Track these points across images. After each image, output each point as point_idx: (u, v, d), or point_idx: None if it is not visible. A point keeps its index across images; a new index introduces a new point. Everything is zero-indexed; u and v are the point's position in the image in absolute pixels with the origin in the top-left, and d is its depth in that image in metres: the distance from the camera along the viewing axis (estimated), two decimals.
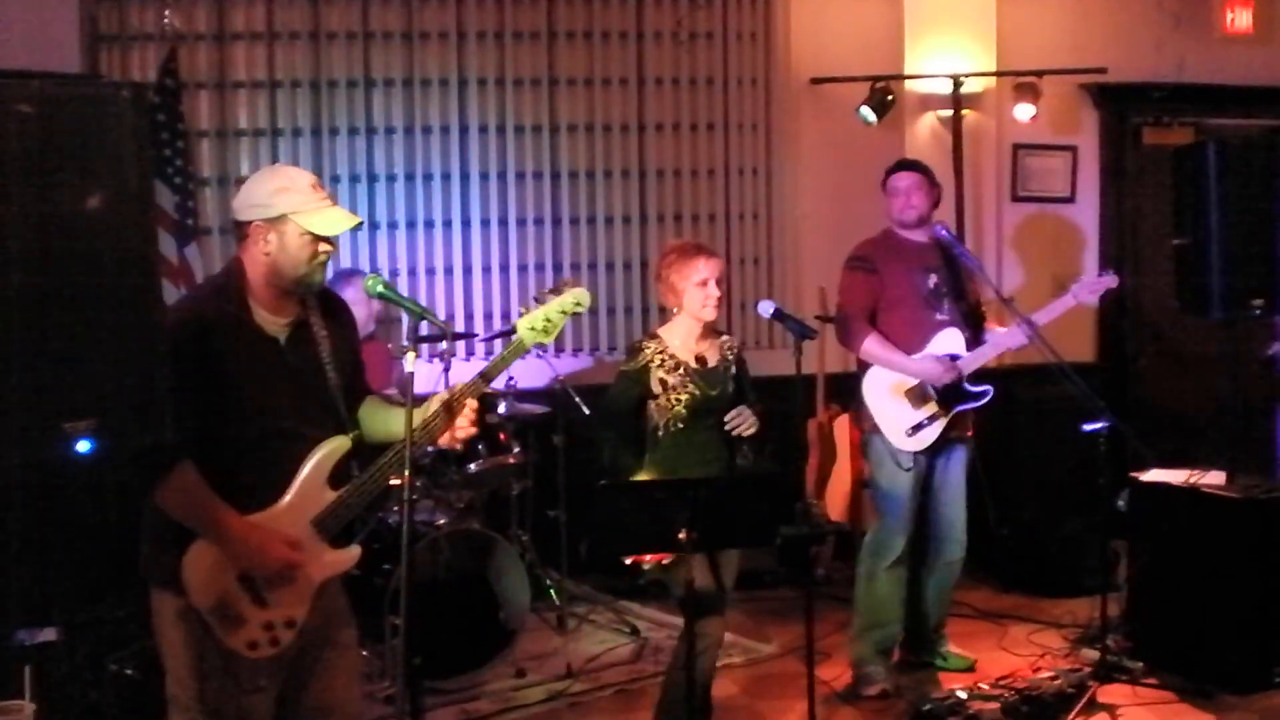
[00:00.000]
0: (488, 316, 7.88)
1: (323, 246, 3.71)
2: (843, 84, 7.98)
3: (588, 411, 6.84)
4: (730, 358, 5.13)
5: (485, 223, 7.91)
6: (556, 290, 4.12)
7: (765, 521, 4.70)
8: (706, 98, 8.15)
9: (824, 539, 7.73)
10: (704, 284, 5.01)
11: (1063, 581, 7.36)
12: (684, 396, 4.97)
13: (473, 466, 6.55)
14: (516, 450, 6.79)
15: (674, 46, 8.05)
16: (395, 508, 3.82)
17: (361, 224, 3.90)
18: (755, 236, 8.22)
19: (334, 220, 3.71)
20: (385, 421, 3.95)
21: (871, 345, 5.96)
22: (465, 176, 7.85)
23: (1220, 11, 8.55)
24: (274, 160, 7.52)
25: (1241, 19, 8.57)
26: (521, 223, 7.96)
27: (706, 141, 8.16)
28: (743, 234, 8.19)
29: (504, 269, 7.94)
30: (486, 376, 3.97)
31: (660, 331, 5.14)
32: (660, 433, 5.00)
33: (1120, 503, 6.48)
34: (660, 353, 5.02)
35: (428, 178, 7.80)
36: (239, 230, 3.75)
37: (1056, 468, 7.92)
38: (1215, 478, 6.41)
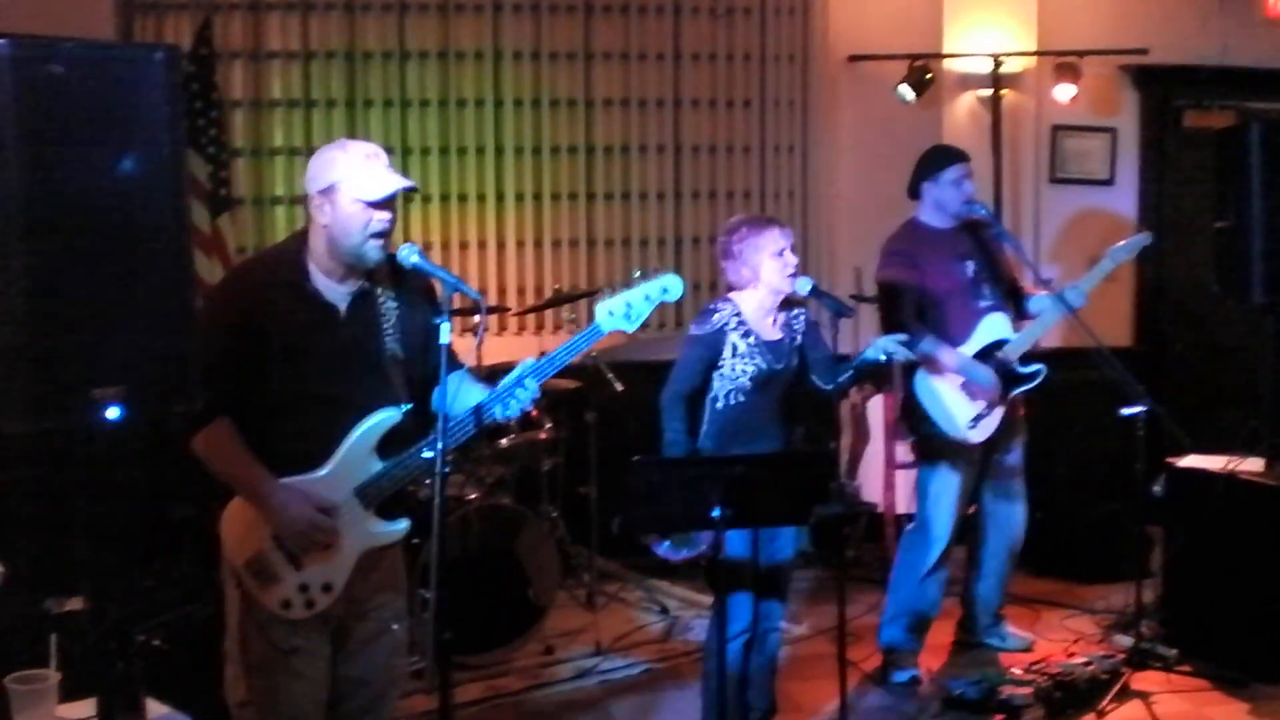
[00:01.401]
0: (520, 291, 7.82)
1: (378, 215, 3.67)
2: (881, 61, 7.91)
3: (620, 388, 6.81)
4: (797, 328, 5.08)
5: (519, 197, 7.85)
6: (645, 275, 3.92)
7: (800, 501, 4.66)
8: (743, 73, 8.05)
9: (857, 520, 7.68)
10: (781, 254, 4.96)
11: (1097, 567, 7.30)
12: (750, 368, 4.92)
13: (504, 442, 6.53)
14: (548, 426, 6.76)
15: (711, 21, 7.97)
16: (427, 480, 3.75)
17: (415, 188, 3.84)
18: (790, 214, 8.12)
19: (380, 183, 3.66)
20: (458, 399, 3.88)
21: (926, 344, 5.84)
22: (500, 150, 7.79)
23: None
24: (307, 131, 7.49)
25: None
26: (556, 197, 7.90)
27: (743, 118, 8.08)
28: (778, 211, 8.08)
29: (538, 244, 7.89)
30: (556, 361, 3.89)
31: (734, 297, 5.08)
32: (719, 404, 4.96)
33: (1156, 488, 6.41)
34: (736, 316, 4.98)
35: (462, 151, 7.74)
36: (307, 204, 3.74)
37: (1093, 452, 7.85)
38: (1253, 464, 6.33)
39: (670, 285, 3.90)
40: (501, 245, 7.85)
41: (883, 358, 5.04)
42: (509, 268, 7.83)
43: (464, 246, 7.76)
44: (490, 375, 4.44)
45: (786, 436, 5.09)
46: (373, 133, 7.55)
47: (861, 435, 7.76)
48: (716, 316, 4.99)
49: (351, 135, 7.47)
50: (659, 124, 7.98)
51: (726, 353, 4.94)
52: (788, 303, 5.09)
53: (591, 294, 7.54)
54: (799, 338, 5.10)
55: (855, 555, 7.63)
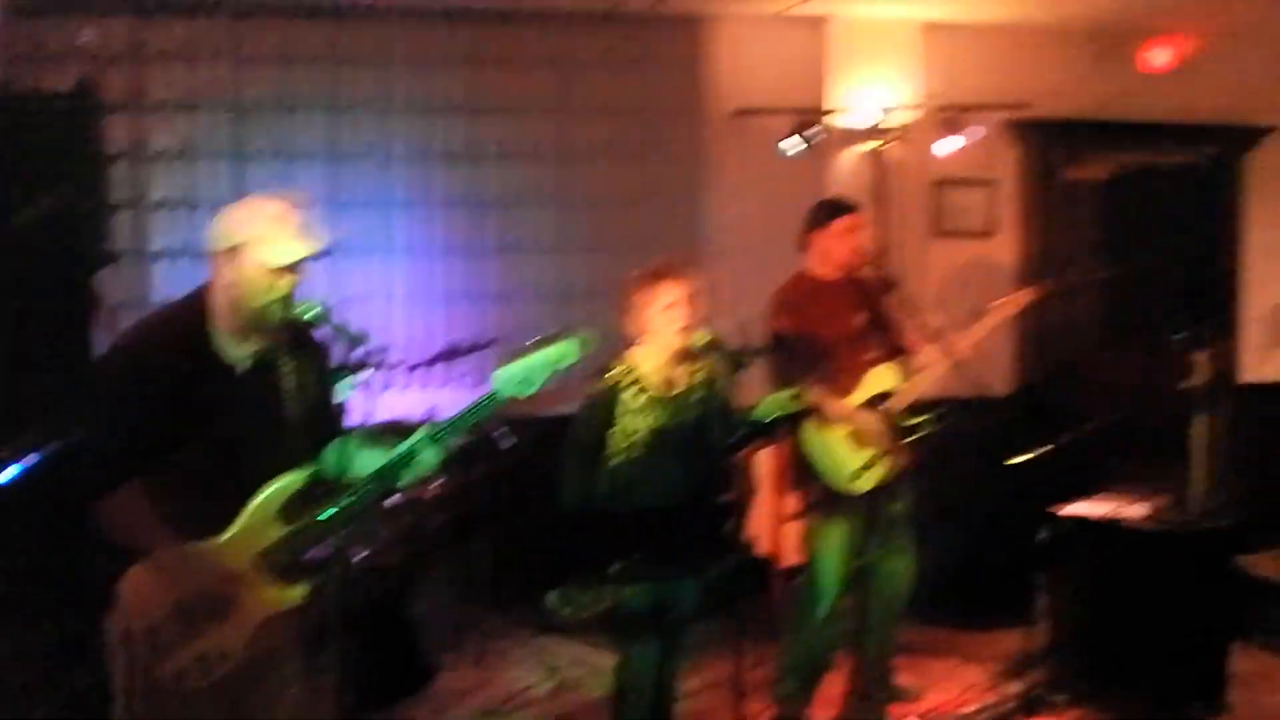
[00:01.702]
0: (411, 345, 7.75)
1: (284, 279, 3.63)
2: (767, 115, 7.97)
3: (508, 444, 6.76)
4: (696, 381, 5.08)
5: (409, 251, 7.80)
6: (545, 340, 3.95)
7: (701, 553, 4.66)
8: (632, 127, 8.07)
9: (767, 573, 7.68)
10: (672, 307, 4.97)
11: (986, 615, 7.36)
12: (645, 423, 4.91)
13: (392, 499, 6.45)
14: (437, 483, 6.69)
15: (599, 74, 7.98)
16: (327, 542, 3.72)
17: (323, 252, 3.80)
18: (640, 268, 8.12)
19: (288, 250, 3.63)
20: (354, 460, 3.85)
21: (812, 393, 5.89)
22: (389, 204, 7.74)
23: (1140, 49, 8.61)
24: (190, 182, 7.39)
25: (1159, 56, 8.64)
26: (446, 251, 7.85)
27: (631, 171, 8.08)
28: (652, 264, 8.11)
29: (428, 298, 7.83)
30: (454, 426, 3.87)
31: (630, 354, 5.08)
32: (617, 459, 4.94)
33: (1044, 536, 6.49)
34: (628, 375, 4.96)
35: (350, 205, 7.68)
36: (210, 260, 3.69)
37: (980, 500, 7.93)
38: (1136, 509, 6.44)
39: (567, 351, 3.95)
40: (390, 299, 7.78)
41: (770, 419, 5.07)
42: (397, 322, 7.76)
43: (354, 300, 7.67)
44: (382, 433, 4.40)
45: (688, 490, 5.08)
46: (256, 184, 7.46)
47: (749, 487, 7.75)
48: (610, 373, 4.98)
49: (237, 187, 7.40)
50: (547, 177, 7.97)
51: (620, 409, 4.93)
52: (689, 355, 5.10)
53: (483, 347, 7.51)
54: (699, 391, 5.11)
55: (747, 608, 7.60)
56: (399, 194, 7.76)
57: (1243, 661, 6.46)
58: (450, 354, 7.14)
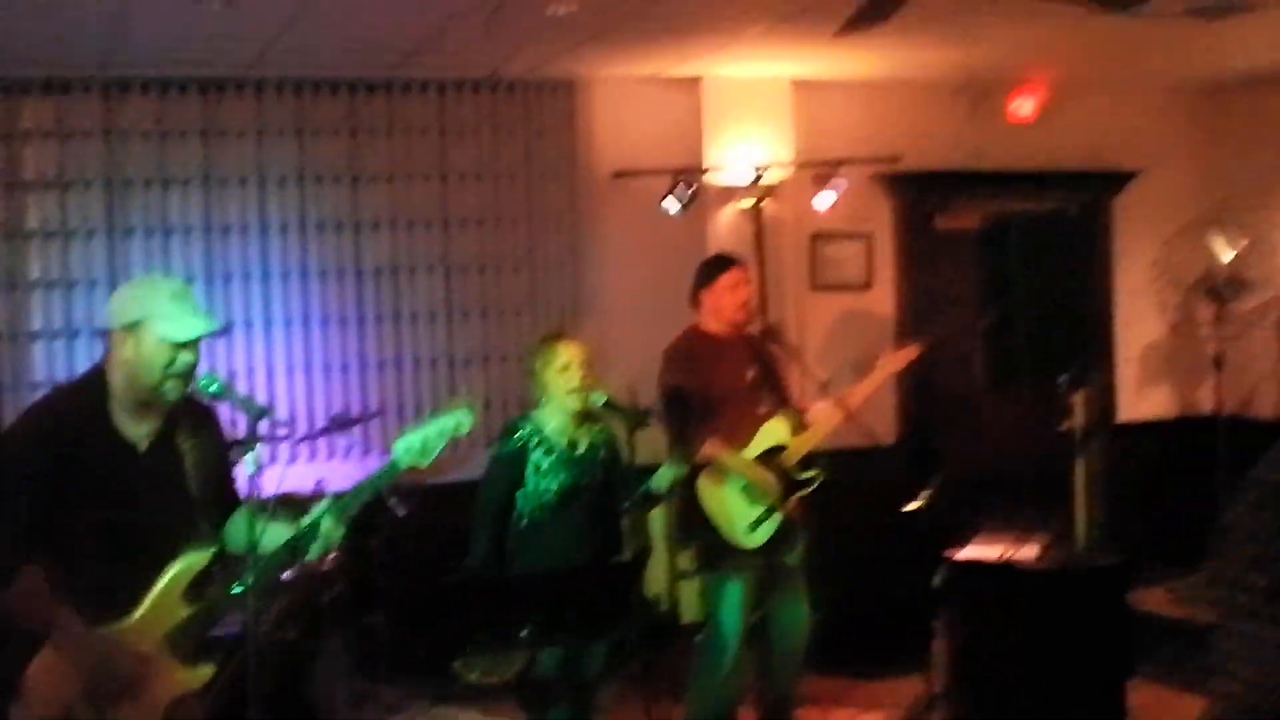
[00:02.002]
0: (292, 417, 7.66)
1: (182, 355, 3.61)
2: (644, 176, 8.04)
3: (402, 512, 6.71)
4: (601, 443, 5.10)
5: (288, 322, 7.72)
6: (439, 410, 4.02)
7: (609, 614, 4.66)
8: (511, 191, 8.09)
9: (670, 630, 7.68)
10: (566, 369, 4.99)
11: (884, 661, 7.42)
12: (554, 484, 4.92)
13: (284, 574, 6.36)
14: (331, 555, 6.61)
15: (477, 140, 7.99)
16: (229, 619, 3.70)
17: (221, 329, 3.81)
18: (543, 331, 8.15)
19: (188, 326, 3.61)
20: (255, 535, 3.80)
21: (709, 447, 5.95)
22: (266, 275, 7.66)
23: (1007, 100, 8.83)
24: (66, 261, 7.26)
25: (1024, 106, 8.87)
26: (325, 321, 7.79)
27: (512, 235, 8.10)
28: (550, 327, 8.12)
29: (308, 368, 7.75)
30: (356, 497, 3.88)
31: (534, 414, 5.09)
32: (524, 521, 4.93)
33: (937, 580, 6.56)
34: (538, 433, 4.97)
35: (227, 278, 7.59)
36: (106, 337, 3.68)
37: (874, 548, 8.01)
38: (1027, 551, 6.55)
39: (461, 420, 4.02)
40: (271, 371, 7.69)
41: (662, 488, 5.13)
42: (279, 394, 7.67)
43: (231, 374, 7.57)
44: (276, 507, 4.36)
45: (595, 549, 5.09)
46: (134, 261, 7.36)
47: (645, 545, 7.76)
48: (517, 435, 4.99)
49: (112, 264, 7.30)
50: (428, 243, 7.95)
51: (529, 470, 4.94)
52: (590, 415, 5.13)
53: (369, 418, 7.46)
54: (602, 451, 5.14)
55: (652, 667, 7.60)
56: (278, 265, 7.68)
57: (1138, 695, 6.58)
58: (337, 425, 7.08)
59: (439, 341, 7.97)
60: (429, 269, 7.96)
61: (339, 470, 4.68)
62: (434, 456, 3.95)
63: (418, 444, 3.91)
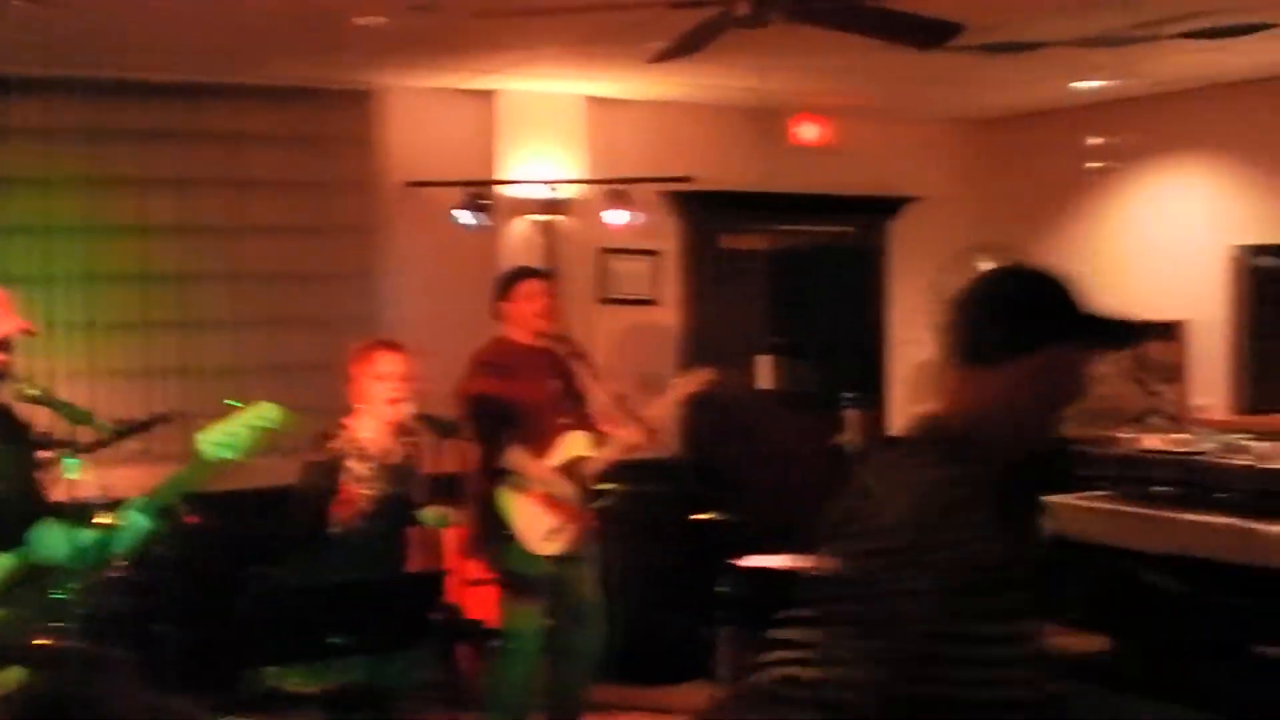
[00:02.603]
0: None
1: None
2: (439, 188, 8.08)
3: (191, 519, 6.63)
4: (414, 452, 5.13)
5: (70, 327, 7.54)
6: (242, 406, 3.99)
7: (416, 623, 4.71)
8: (305, 200, 8.05)
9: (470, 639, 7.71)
10: (382, 379, 5.02)
11: (673, 669, 7.59)
12: (369, 492, 4.93)
13: (85, 580, 6.24)
14: (120, 564, 6.50)
15: (271, 148, 7.94)
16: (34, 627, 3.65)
17: (31, 332, 3.74)
18: (358, 340, 8.13)
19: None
20: (60, 541, 3.76)
21: (513, 454, 6.04)
22: (51, 279, 7.48)
23: (792, 124, 9.12)
24: None
25: (809, 132, 9.18)
26: (112, 327, 7.65)
27: (306, 245, 8.06)
28: (344, 338, 8.10)
29: (92, 374, 7.59)
30: (169, 492, 3.83)
31: (348, 421, 5.10)
32: (338, 529, 4.93)
33: (724, 589, 6.73)
34: (351, 442, 4.98)
35: (14, 280, 7.38)
36: None
37: (661, 558, 8.19)
38: (811, 560, 6.76)
39: (269, 413, 4.01)
40: (53, 376, 7.51)
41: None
42: (70, 399, 7.47)
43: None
44: (78, 511, 4.32)
45: (399, 561, 5.13)
46: None
47: (434, 556, 7.79)
48: (333, 443, 5.00)
49: None
50: (220, 252, 7.87)
51: (345, 478, 4.96)
52: (403, 425, 5.17)
53: (162, 421, 7.32)
54: (413, 460, 5.18)
55: (450, 676, 7.64)
56: (64, 269, 7.51)
57: None
58: (129, 430, 6.96)
59: (230, 351, 7.88)
60: (221, 278, 7.87)
61: (130, 474, 4.65)
62: (244, 450, 3.92)
63: (224, 438, 3.88)
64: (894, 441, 2.68)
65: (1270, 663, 7.89)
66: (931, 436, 2.59)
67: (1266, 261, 8.33)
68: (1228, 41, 6.66)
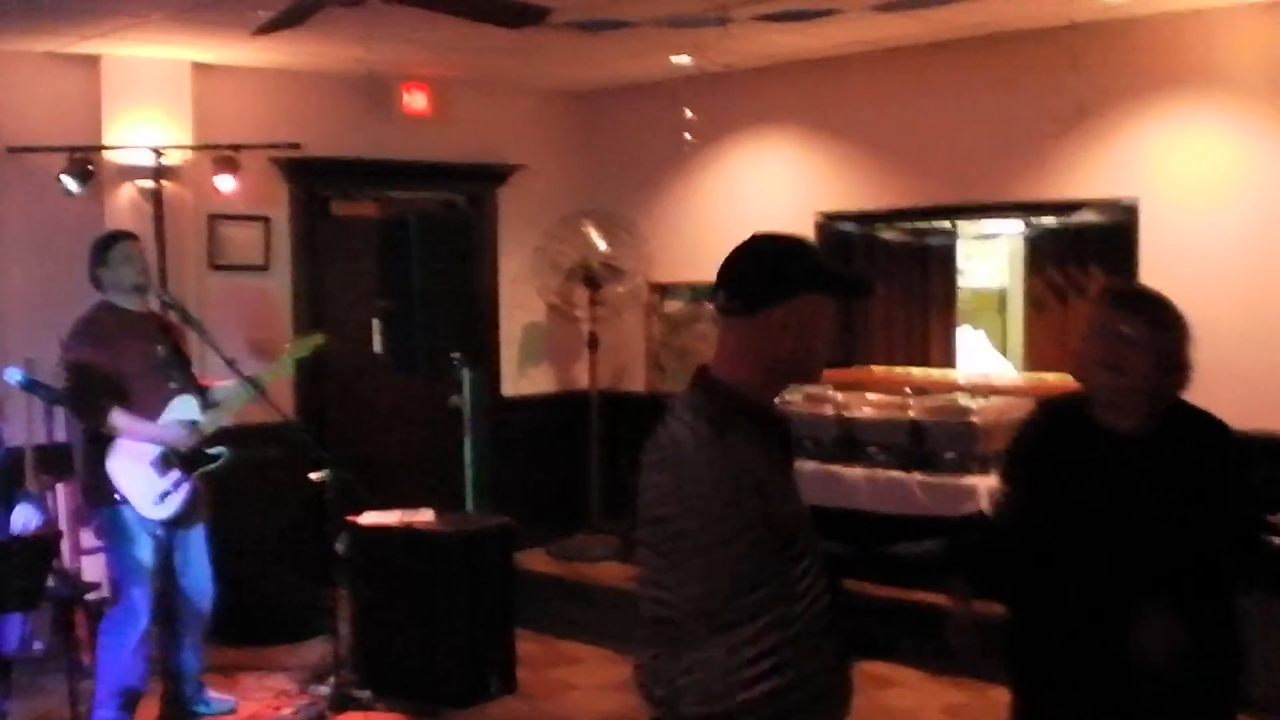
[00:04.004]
0: None
1: None
2: (43, 154, 7.94)
3: None
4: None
5: None
6: None
7: (29, 588, 4.74)
8: None
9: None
10: None
11: (288, 628, 7.74)
12: None
13: None
14: None
15: None
16: None
17: None
18: None
19: None
20: None
21: (118, 418, 6.06)
22: None
23: (399, 93, 9.31)
24: None
25: (418, 101, 9.38)
26: None
27: None
28: None
29: None
30: None
31: None
32: None
33: (339, 546, 6.91)
34: None
35: None
36: None
37: (276, 520, 8.32)
38: (424, 515, 7.04)
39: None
40: None
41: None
42: None
43: None
44: None
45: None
46: None
47: (49, 522, 7.70)
48: None
49: None
50: None
51: None
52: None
53: None
54: None
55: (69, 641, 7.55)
56: None
57: (524, 644, 7.22)
58: None
59: None
60: None
61: None
62: None
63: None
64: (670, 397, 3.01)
65: (856, 599, 8.59)
66: (703, 384, 2.93)
67: (846, 227, 8.99)
68: (800, 25, 7.19)
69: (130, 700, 6.26)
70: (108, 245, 6.38)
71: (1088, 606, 3.52)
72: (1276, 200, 6.88)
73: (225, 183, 8.43)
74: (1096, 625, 3.50)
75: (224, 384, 6.52)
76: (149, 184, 8.20)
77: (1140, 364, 3.50)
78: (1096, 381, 3.61)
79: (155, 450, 6.19)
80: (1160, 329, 3.55)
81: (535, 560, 9.36)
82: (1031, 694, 3.77)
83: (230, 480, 6.76)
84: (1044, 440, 3.80)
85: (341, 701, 6.50)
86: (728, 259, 2.97)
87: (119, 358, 6.16)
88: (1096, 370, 3.58)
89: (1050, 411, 3.94)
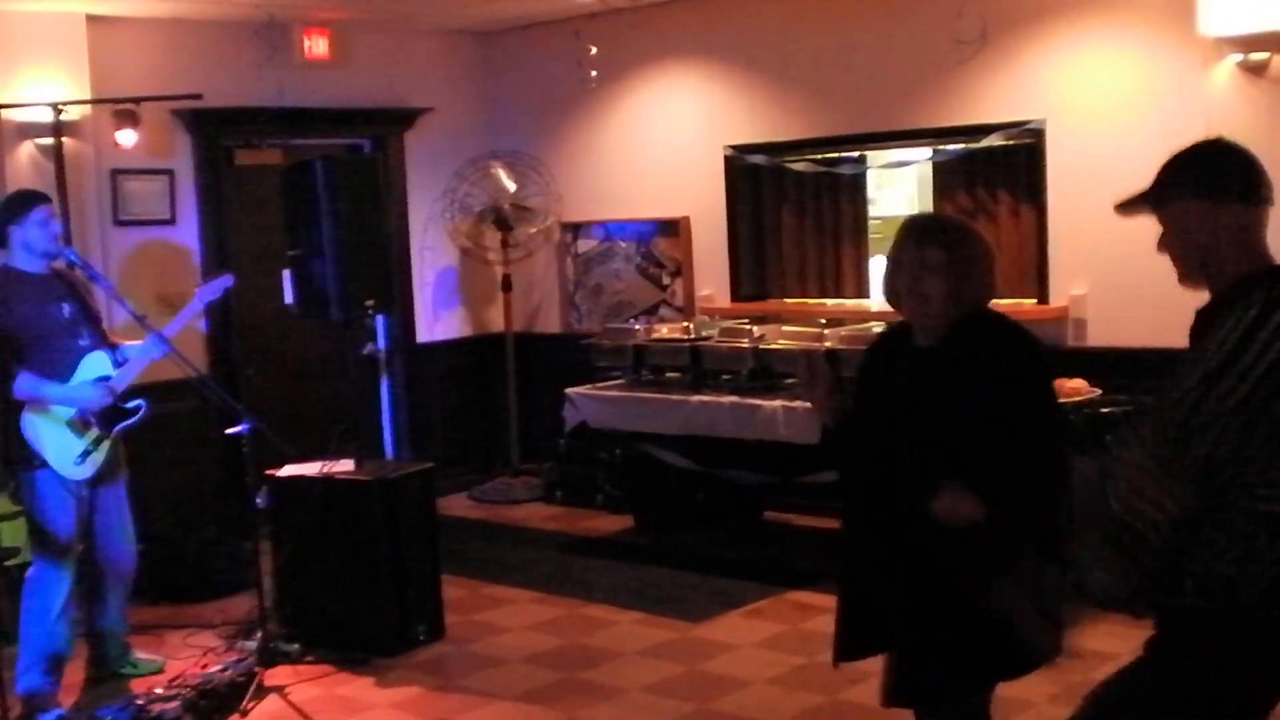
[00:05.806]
0: None
1: None
2: None
3: None
4: None
5: None
6: None
7: None
8: None
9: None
10: None
11: (213, 584, 7.70)
12: None
13: None
14: None
15: None
16: None
17: None
18: None
19: None
20: None
21: (25, 382, 5.98)
22: None
23: (300, 38, 9.18)
24: None
25: (319, 46, 9.26)
26: None
27: None
28: None
29: None
30: None
31: None
32: None
33: (260, 500, 6.84)
34: None
35: None
36: None
37: (194, 476, 8.25)
38: (345, 465, 7.00)
39: None
40: None
41: None
42: None
43: None
44: None
45: None
46: None
47: None
48: None
49: None
50: None
51: None
52: None
53: None
54: None
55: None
56: None
57: (450, 589, 7.22)
58: None
59: None
60: None
61: None
62: None
63: None
64: None
65: (776, 527, 8.68)
66: None
67: (756, 159, 9.00)
68: None
69: (56, 664, 6.19)
70: (26, 205, 6.22)
71: (891, 503, 3.80)
72: (1181, 118, 6.94)
73: (126, 137, 8.32)
74: (897, 515, 3.77)
75: (134, 344, 6.43)
76: (48, 141, 8.05)
77: (941, 287, 3.73)
78: (907, 309, 3.86)
79: (72, 410, 6.11)
80: (957, 250, 3.77)
81: (457, 504, 9.36)
82: (850, 591, 4.00)
83: (148, 437, 6.70)
84: (873, 361, 4.12)
85: (270, 656, 6.46)
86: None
87: (22, 320, 6.06)
88: (906, 298, 3.83)
89: (884, 335, 4.24)
